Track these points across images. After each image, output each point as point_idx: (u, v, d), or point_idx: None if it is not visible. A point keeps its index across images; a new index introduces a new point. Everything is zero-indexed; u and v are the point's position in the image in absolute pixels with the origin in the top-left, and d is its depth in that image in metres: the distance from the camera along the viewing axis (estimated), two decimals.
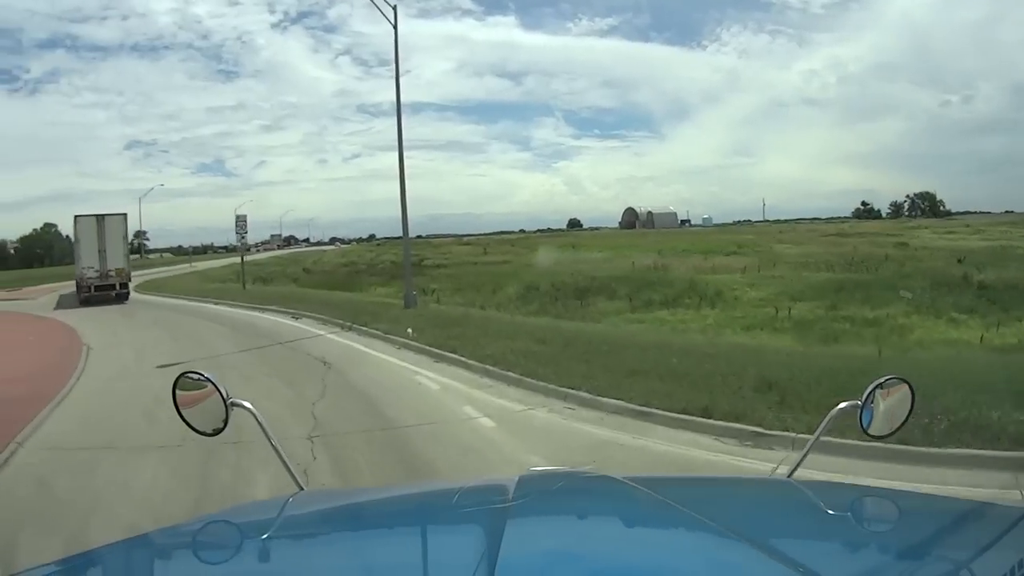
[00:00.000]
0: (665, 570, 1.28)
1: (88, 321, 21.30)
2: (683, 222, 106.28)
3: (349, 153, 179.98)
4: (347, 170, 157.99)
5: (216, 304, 25.66)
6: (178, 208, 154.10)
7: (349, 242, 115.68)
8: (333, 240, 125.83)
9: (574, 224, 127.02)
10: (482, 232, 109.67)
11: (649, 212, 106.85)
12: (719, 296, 24.52)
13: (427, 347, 12.95)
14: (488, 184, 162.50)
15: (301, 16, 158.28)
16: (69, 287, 30.65)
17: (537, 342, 12.52)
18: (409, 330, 14.31)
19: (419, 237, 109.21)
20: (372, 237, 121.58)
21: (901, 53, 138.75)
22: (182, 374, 2.12)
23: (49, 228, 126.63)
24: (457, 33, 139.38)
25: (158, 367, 10.92)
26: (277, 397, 9.69)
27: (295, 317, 19.78)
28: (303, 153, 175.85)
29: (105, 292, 27.34)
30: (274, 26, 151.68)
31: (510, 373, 10.43)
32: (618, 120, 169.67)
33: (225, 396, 2.04)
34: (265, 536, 1.53)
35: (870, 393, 1.95)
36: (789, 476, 2.02)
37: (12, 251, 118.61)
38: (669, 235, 70.04)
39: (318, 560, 1.41)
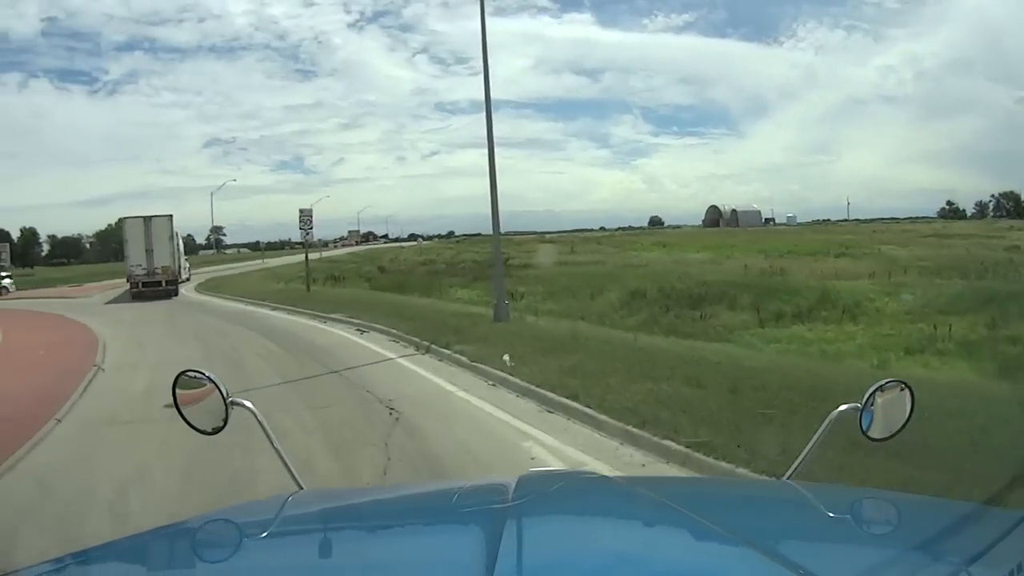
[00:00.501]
0: (664, 572, 1.27)
1: (123, 329, 19.05)
2: (767, 220, 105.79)
3: (427, 150, 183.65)
4: (425, 167, 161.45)
5: (273, 310, 22.97)
6: (257, 204, 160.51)
7: (429, 238, 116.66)
8: (412, 236, 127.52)
9: (655, 222, 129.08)
10: (561, 229, 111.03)
11: (733, 210, 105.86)
12: (858, 308, 21.39)
13: (533, 387, 9.34)
14: (567, 181, 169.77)
15: (377, 15, 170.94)
16: None
17: (687, 383, 8.82)
18: (506, 357, 10.77)
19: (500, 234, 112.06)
20: (451, 234, 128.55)
21: (976, 48, 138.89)
22: (182, 372, 2.14)
23: (122, 222, 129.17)
24: (534, 31, 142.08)
25: (167, 406, 7.50)
26: (314, 473, 6.26)
27: (361, 331, 16.58)
28: (382, 151, 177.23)
29: (153, 288, 28.81)
30: (350, 26, 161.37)
31: (671, 444, 6.79)
32: (696, 117, 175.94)
33: (225, 395, 2.05)
34: (264, 535, 1.57)
35: (870, 396, 1.95)
36: (788, 478, 2.03)
37: (88, 246, 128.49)
38: (760, 234, 68.54)
39: (317, 559, 1.41)
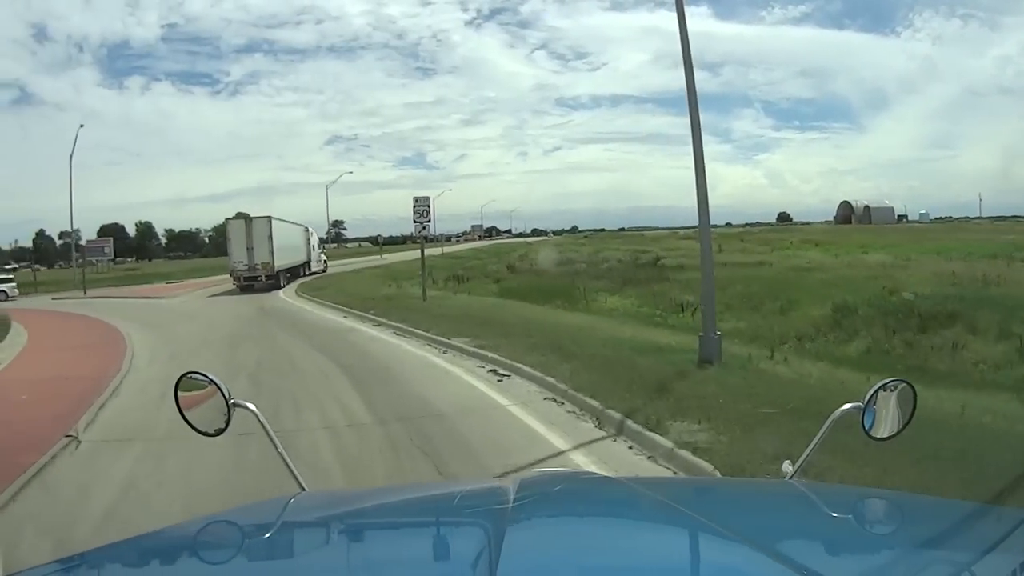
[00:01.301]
0: (666, 572, 1.29)
1: (161, 355, 14.35)
2: (900, 217, 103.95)
3: (549, 146, 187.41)
4: (547, 163, 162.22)
5: (376, 326, 17.79)
6: (380, 200, 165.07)
7: (554, 233, 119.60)
8: (535, 231, 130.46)
9: (784, 218, 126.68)
10: (684, 225, 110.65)
11: (866, 206, 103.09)
12: None
13: None
14: (689, 176, 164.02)
15: (494, 13, 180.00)
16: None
17: None
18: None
19: (622, 230, 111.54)
20: (575, 229, 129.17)
21: None
22: (184, 374, 2.18)
23: (240, 216, 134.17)
24: (651, 24, 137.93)
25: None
26: None
27: (499, 376, 10.95)
28: (503, 146, 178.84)
29: (252, 282, 31.36)
30: (468, 23, 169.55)
31: None
32: (817, 111, 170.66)
33: (227, 396, 2.09)
34: (266, 537, 1.59)
35: (872, 395, 1.98)
36: (790, 478, 2.08)
37: (206, 240, 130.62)
38: (903, 232, 64.64)
39: (319, 561, 1.45)
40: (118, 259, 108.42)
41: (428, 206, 22.45)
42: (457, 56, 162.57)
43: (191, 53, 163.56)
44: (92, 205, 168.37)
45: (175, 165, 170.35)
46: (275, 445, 2.13)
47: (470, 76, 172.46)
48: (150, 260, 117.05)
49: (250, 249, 31.83)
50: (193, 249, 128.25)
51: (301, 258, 40.24)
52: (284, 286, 32.46)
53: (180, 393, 2.17)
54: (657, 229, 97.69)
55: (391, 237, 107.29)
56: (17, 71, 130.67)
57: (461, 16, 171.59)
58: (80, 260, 46.51)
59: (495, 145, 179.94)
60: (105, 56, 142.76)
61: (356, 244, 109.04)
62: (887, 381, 2.01)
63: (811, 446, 2.08)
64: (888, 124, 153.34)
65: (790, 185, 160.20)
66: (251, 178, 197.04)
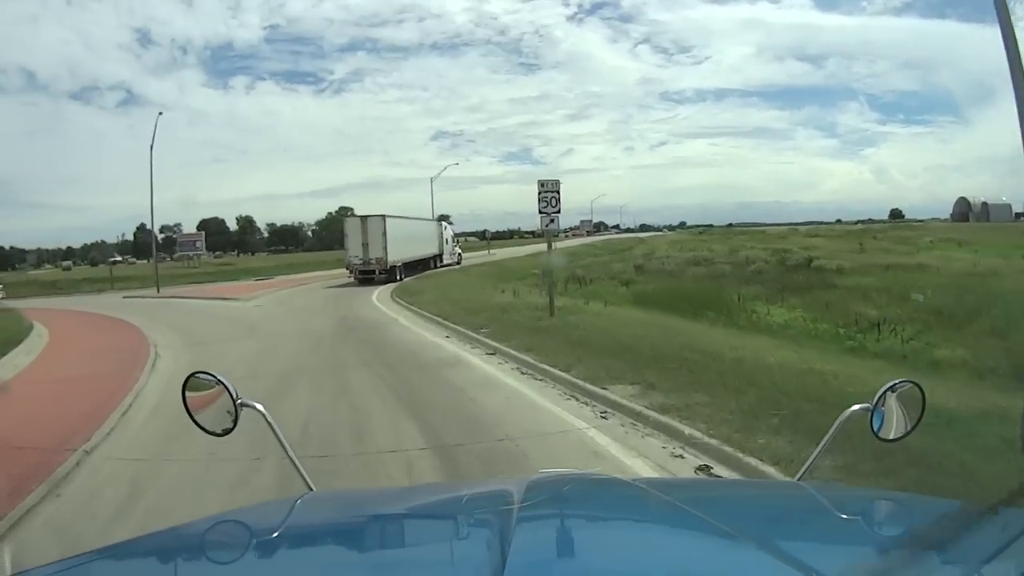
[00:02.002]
0: (673, 574, 1.30)
1: (183, 420, 8.70)
2: (1018, 215, 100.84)
3: (655, 140, 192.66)
4: (653, 157, 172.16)
5: (490, 356, 12.76)
6: (486, 194, 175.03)
7: (667, 229, 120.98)
8: (643, 227, 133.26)
9: (896, 215, 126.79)
10: (791, 222, 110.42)
11: (984, 203, 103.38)
12: None
13: None
14: (795, 171, 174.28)
15: (596, 7, 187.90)
16: (328, 279, 35.83)
17: None
18: None
19: (730, 225, 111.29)
20: (683, 224, 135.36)
21: None
22: (192, 374, 2.19)
23: (345, 211, 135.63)
24: (753, 17, 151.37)
25: None
26: None
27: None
28: (609, 141, 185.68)
29: (368, 275, 33.52)
30: (570, 18, 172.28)
31: None
32: (921, 104, 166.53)
33: (235, 396, 2.10)
34: (274, 537, 1.60)
35: (881, 396, 1.99)
36: (798, 479, 2.14)
37: (309, 233, 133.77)
38: None
39: (326, 561, 1.47)
40: (217, 253, 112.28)
41: (557, 192, 17.36)
42: (560, 51, 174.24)
43: (294, 53, 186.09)
44: (199, 200, 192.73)
45: (281, 162, 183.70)
46: (283, 445, 2.15)
47: (574, 71, 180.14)
48: (252, 254, 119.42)
49: (365, 245, 34.04)
50: (295, 243, 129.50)
51: (430, 251, 43.10)
52: (402, 279, 33.98)
53: (188, 393, 2.17)
54: (767, 225, 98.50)
55: (497, 232, 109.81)
56: (123, 74, 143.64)
57: (563, 11, 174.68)
58: (156, 256, 43.61)
59: (601, 140, 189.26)
60: (209, 58, 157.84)
61: (463, 239, 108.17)
62: (896, 382, 2.01)
63: (819, 448, 2.09)
64: (993, 117, 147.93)
65: (895, 180, 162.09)
66: (357, 174, 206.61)
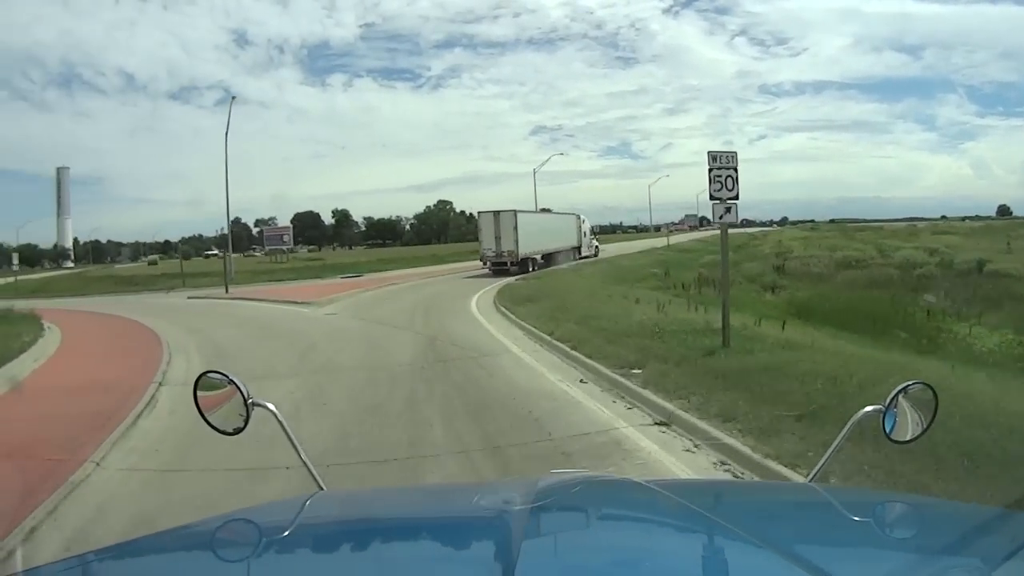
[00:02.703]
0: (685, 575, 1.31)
1: None
2: None
3: (754, 134, 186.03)
4: (753, 151, 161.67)
5: (661, 426, 7.62)
6: (586, 189, 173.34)
7: (769, 224, 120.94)
8: (744, 222, 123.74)
9: (1004, 211, 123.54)
10: (891, 218, 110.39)
11: None
12: None
13: None
14: (893, 166, 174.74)
15: (691, 0, 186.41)
16: (422, 277, 35.59)
17: None
18: None
19: (832, 221, 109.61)
20: (784, 220, 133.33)
21: None
22: (203, 374, 2.21)
23: (444, 205, 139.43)
24: (849, 7, 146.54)
25: None
26: None
27: None
28: (708, 135, 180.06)
29: (500, 267, 35.38)
30: (665, 11, 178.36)
31: None
32: (1020, 96, 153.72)
33: (246, 396, 2.11)
34: (283, 536, 1.59)
35: (893, 398, 2.00)
36: (810, 480, 2.15)
37: (408, 227, 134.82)
38: None
39: (336, 560, 1.46)
40: (311, 247, 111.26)
41: (734, 170, 11.96)
42: (657, 44, 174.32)
43: (390, 50, 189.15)
44: (297, 195, 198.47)
45: (380, 157, 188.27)
46: (293, 444, 2.16)
47: (671, 64, 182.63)
48: (349, 248, 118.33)
49: (498, 238, 35.69)
50: (393, 237, 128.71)
51: (568, 244, 44.05)
52: (533, 270, 35.31)
53: (199, 393, 2.19)
54: (869, 221, 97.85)
55: (600, 227, 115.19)
56: (221, 74, 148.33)
57: (658, 4, 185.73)
58: (229, 252, 40.08)
59: (699, 134, 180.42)
60: (306, 56, 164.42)
61: None
62: (908, 384, 2.01)
63: (831, 450, 2.09)
64: None
65: (995, 176, 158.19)
66: (455, 169, 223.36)
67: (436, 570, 1.34)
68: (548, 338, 13.21)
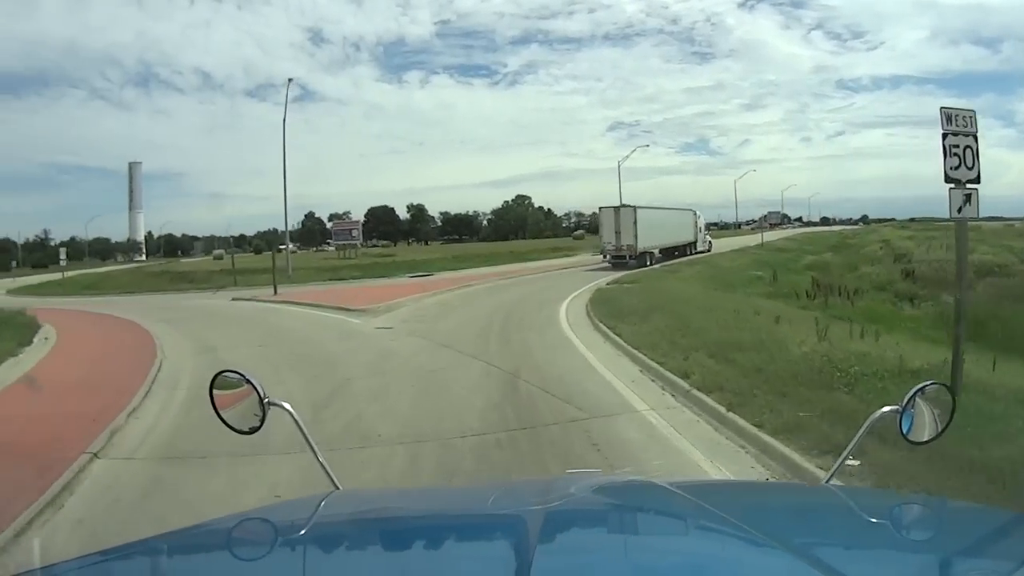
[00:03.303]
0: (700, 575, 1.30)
1: None
2: None
3: (832, 131, 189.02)
4: (831, 148, 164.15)
5: None
6: (663, 185, 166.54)
7: (852, 222, 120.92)
8: (823, 220, 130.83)
9: None
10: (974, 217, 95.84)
11: None
12: None
13: None
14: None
15: None
16: (501, 277, 32.51)
17: None
18: None
19: (912, 220, 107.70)
20: (864, 218, 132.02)
21: None
22: (219, 373, 2.21)
23: (522, 200, 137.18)
24: None
25: None
26: None
27: None
28: (785, 131, 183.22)
29: (619, 259, 36.75)
30: (740, 6, 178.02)
31: None
32: None
33: (262, 395, 2.11)
34: (299, 535, 1.59)
35: (910, 398, 1.99)
36: (827, 482, 2.13)
37: (485, 222, 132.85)
38: None
39: (351, 560, 1.48)
40: (384, 242, 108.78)
41: (973, 137, 8.11)
42: (733, 39, 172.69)
43: (466, 47, 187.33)
44: (375, 190, 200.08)
45: (457, 153, 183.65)
46: (310, 445, 2.15)
47: (748, 59, 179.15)
48: (425, 243, 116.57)
49: (617, 232, 36.96)
50: (470, 233, 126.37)
51: (685, 239, 45.27)
52: (651, 264, 36.64)
53: (216, 392, 2.17)
54: (941, 220, 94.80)
55: None
56: (296, 71, 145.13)
57: None
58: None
59: (777, 130, 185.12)
60: (382, 54, 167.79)
61: None
62: (925, 384, 2.00)
63: (847, 450, 2.10)
64: None
65: None
66: (533, 164, 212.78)
67: (451, 570, 1.32)
68: (682, 383, 8.86)
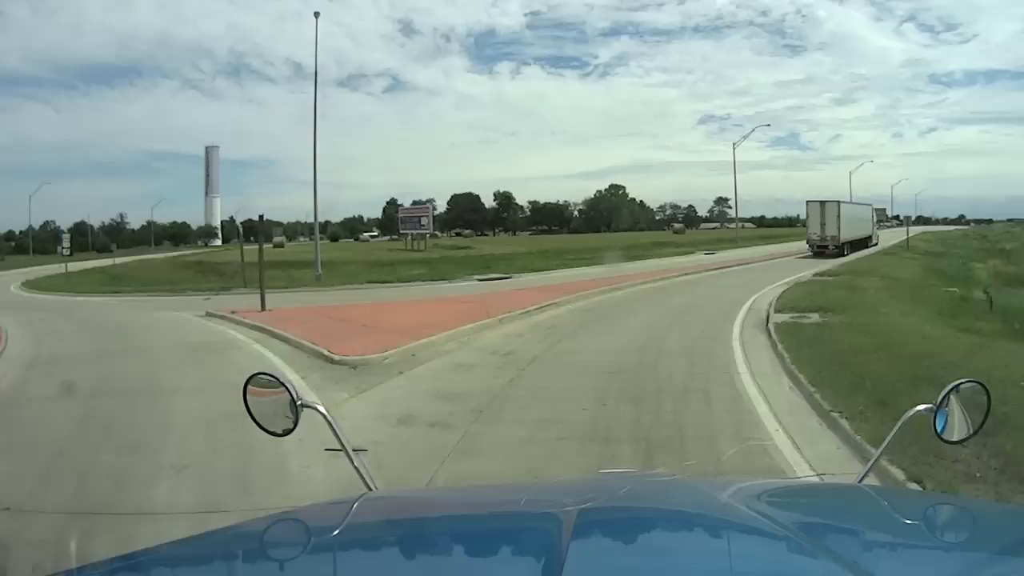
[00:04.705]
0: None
1: None
2: None
3: (924, 127, 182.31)
4: (923, 145, 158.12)
5: None
6: (754, 180, 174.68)
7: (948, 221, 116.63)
8: (919, 219, 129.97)
9: None
10: None
11: None
12: None
13: None
14: None
15: None
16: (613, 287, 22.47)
17: None
18: None
19: (1010, 221, 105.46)
20: (962, 217, 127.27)
21: None
22: (254, 374, 2.15)
23: (616, 190, 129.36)
24: None
25: None
26: None
27: None
28: (877, 127, 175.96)
29: (822, 248, 38.85)
30: None
31: None
32: None
33: (295, 397, 2.07)
34: (333, 536, 1.56)
35: (945, 397, 1.93)
36: (860, 481, 2.09)
37: (576, 213, 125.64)
38: None
39: (385, 560, 1.43)
40: (466, 231, 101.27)
41: None
42: (824, 32, 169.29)
43: (557, 38, 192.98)
44: (467, 180, 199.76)
45: (549, 144, 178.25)
46: (343, 446, 2.07)
47: (839, 52, 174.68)
48: (513, 233, 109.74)
49: (823, 224, 39.47)
50: (560, 223, 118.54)
51: (866, 232, 46.07)
52: (848, 255, 37.71)
53: (249, 393, 2.10)
54: None
55: (773, 219, 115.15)
56: (388, 62, 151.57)
57: None
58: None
59: (868, 125, 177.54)
60: (472, 45, 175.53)
61: (741, 225, 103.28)
62: (960, 382, 1.93)
63: (881, 448, 2.12)
64: None
65: None
66: (623, 156, 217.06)
67: (484, 570, 1.32)
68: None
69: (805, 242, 41.26)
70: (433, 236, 51.21)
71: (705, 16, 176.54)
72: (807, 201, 42.54)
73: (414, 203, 56.23)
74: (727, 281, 23.75)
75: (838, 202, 40.85)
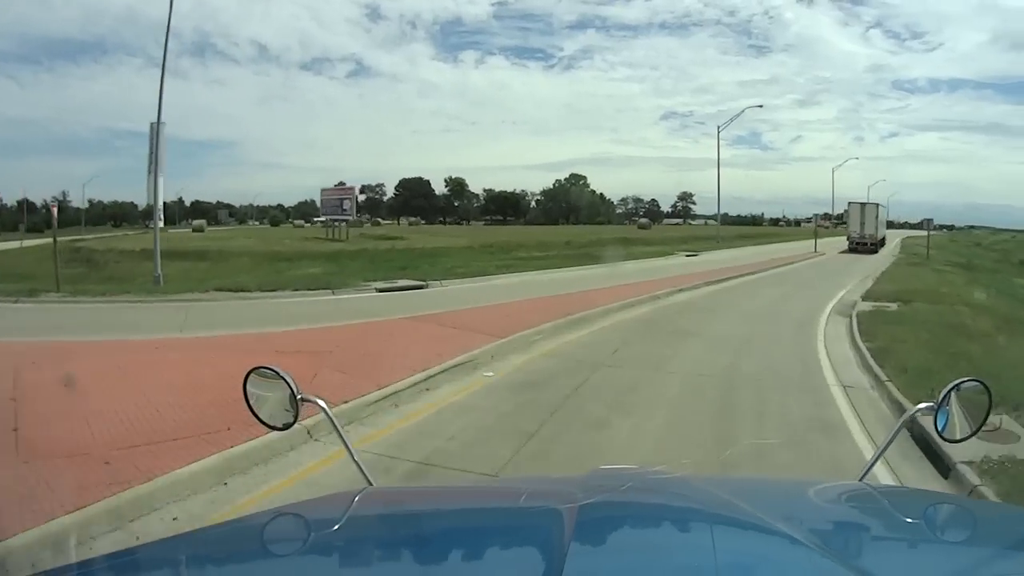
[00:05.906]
0: (730, 574, 1.25)
1: None
2: None
3: (885, 131, 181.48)
4: (883, 149, 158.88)
5: None
6: (714, 178, 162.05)
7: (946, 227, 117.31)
8: (889, 224, 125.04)
9: None
10: (1020, 228, 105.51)
11: None
12: None
13: None
14: None
15: None
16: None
17: None
18: None
19: (971, 228, 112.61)
20: (925, 222, 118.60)
21: None
22: (253, 369, 2.09)
23: (576, 180, 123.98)
24: (988, 1, 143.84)
25: None
26: None
27: None
28: (838, 129, 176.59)
29: (861, 245, 43.37)
30: (799, 0, 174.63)
31: None
32: None
33: (295, 391, 2.03)
34: (332, 531, 1.54)
35: (946, 395, 1.91)
36: (861, 479, 2.05)
37: (533, 203, 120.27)
38: None
39: (384, 556, 1.42)
40: (412, 219, 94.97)
41: None
42: (791, 34, 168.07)
43: (523, 29, 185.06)
44: (426, 168, 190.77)
45: (509, 134, 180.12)
46: (343, 439, 2.08)
47: (804, 55, 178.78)
48: (467, 222, 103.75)
49: (863, 224, 44.70)
50: (515, 213, 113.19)
51: (884, 232, 49.80)
52: (878, 251, 42.40)
53: (249, 387, 2.06)
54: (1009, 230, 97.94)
55: (737, 216, 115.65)
56: (353, 47, 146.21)
57: None
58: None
59: (830, 128, 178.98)
60: (438, 32, 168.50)
61: (703, 222, 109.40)
62: (961, 381, 1.90)
63: (882, 448, 2.08)
64: None
65: None
66: (584, 149, 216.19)
67: (484, 567, 1.29)
68: None
69: (847, 238, 45.94)
70: (375, 223, 46.45)
71: (673, 13, 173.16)
72: (849, 202, 48.99)
73: (364, 188, 49.92)
74: (761, 305, 16.34)
75: (877, 204, 46.59)
